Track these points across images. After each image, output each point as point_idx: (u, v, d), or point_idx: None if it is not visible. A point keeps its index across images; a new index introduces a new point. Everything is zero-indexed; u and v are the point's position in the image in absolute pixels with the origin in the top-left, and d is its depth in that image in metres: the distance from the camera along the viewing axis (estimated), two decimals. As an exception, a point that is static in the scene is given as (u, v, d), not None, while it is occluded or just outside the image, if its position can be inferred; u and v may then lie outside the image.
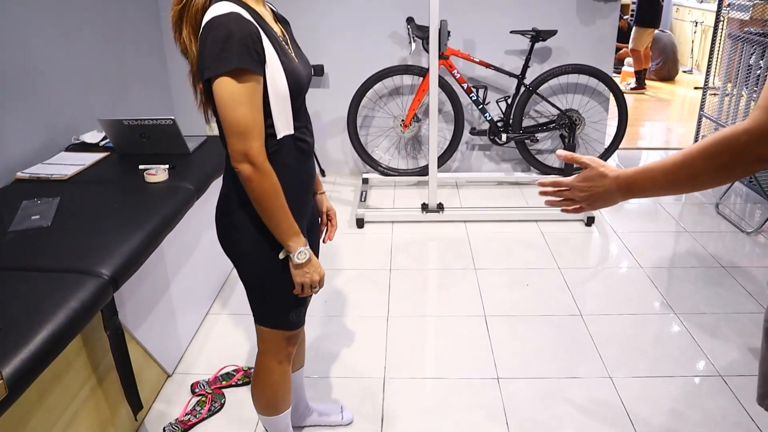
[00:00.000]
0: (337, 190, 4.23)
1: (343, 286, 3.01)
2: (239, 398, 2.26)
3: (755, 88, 4.34)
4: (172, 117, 2.68)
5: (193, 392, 2.26)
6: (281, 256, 1.51)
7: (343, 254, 3.33)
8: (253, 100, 1.34)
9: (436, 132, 3.60)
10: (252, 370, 2.32)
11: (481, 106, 4.05)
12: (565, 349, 2.53)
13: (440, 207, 3.75)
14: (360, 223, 3.67)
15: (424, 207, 3.76)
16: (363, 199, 3.95)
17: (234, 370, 2.36)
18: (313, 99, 4.18)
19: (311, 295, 1.61)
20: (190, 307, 2.58)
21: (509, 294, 2.94)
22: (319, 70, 4.11)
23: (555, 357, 2.49)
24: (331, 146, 4.43)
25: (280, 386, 1.74)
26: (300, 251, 1.47)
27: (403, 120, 4.14)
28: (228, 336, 2.64)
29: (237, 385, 2.31)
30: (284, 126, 1.44)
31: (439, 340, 2.60)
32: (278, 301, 1.59)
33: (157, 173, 2.43)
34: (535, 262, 3.27)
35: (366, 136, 4.36)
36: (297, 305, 1.62)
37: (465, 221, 3.76)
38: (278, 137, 1.44)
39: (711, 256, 3.33)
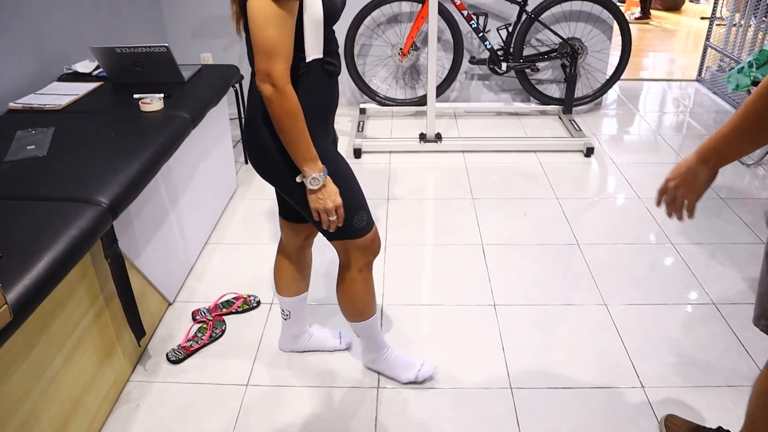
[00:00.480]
0: (336, 123, 4.17)
1: (341, 216, 3.01)
2: (239, 324, 2.31)
3: (764, 18, 4.24)
4: (166, 44, 2.61)
5: (194, 319, 2.30)
6: (298, 180, 1.53)
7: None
8: (286, 23, 1.33)
9: (435, 61, 3.53)
10: (251, 297, 2.38)
11: (481, 34, 3.96)
12: (561, 277, 2.57)
13: (438, 137, 3.72)
14: (357, 153, 3.64)
15: (422, 137, 3.72)
16: (360, 129, 3.91)
17: (234, 298, 2.39)
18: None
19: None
20: (189, 236, 2.59)
21: (507, 223, 2.96)
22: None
23: (551, 285, 2.52)
24: (328, 76, 4.34)
25: (363, 294, 1.81)
26: (313, 177, 1.49)
27: (401, 48, 4.05)
28: (227, 265, 2.67)
29: (237, 312, 2.35)
30: (314, 50, 1.45)
31: (436, 268, 2.63)
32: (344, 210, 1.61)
33: (152, 102, 2.39)
34: (533, 192, 3.27)
35: (363, 65, 4.27)
36: (355, 211, 1.65)
37: (463, 151, 3.73)
38: (307, 60, 1.46)
39: (711, 188, 3.32)
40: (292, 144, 1.46)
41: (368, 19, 3.99)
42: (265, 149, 1.54)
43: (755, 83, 3.43)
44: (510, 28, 3.99)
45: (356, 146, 3.64)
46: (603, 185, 3.40)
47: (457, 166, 3.56)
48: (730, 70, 3.61)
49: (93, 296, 1.82)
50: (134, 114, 2.38)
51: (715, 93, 4.76)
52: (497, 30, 4.06)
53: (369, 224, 1.71)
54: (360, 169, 3.51)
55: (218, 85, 2.82)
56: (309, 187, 1.51)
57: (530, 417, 1.91)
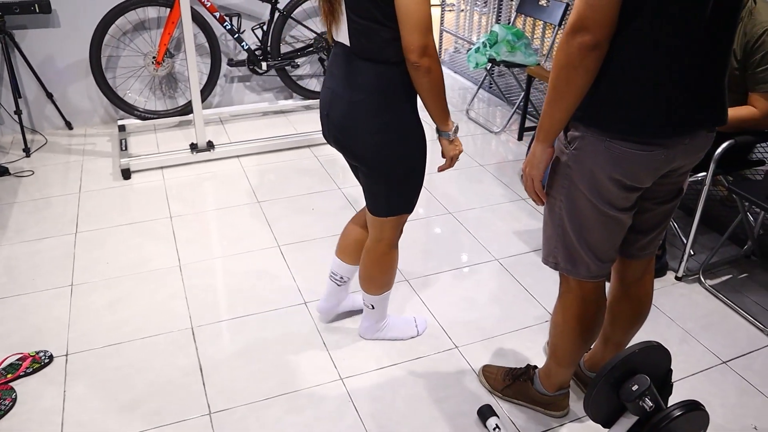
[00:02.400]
0: (92, 143, 3.79)
1: (124, 243, 2.77)
2: (33, 387, 2.00)
3: (484, 4, 4.77)
4: None
5: (-30, 395, 1.95)
6: (442, 136, 1.75)
7: (113, 210, 3.04)
8: None
9: (196, 66, 3.39)
10: (40, 354, 2.09)
11: (236, 36, 3.89)
12: (362, 263, 2.65)
13: (210, 145, 3.59)
14: (126, 173, 3.36)
15: (194, 147, 3.56)
16: (124, 148, 3.61)
17: (19, 359, 2.06)
18: (43, 41, 3.66)
19: None
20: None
21: (297, 221, 2.97)
22: (44, 6, 3.54)
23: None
24: (73, 94, 3.92)
25: (395, 265, 2.00)
26: (456, 125, 1.74)
27: (154, 57, 3.82)
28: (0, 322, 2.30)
29: (27, 374, 2.03)
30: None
31: (239, 279, 2.55)
32: (412, 187, 1.81)
33: None
34: (315, 185, 3.32)
35: (114, 78, 3.94)
36: (419, 190, 1.83)
37: (238, 156, 3.65)
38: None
39: (469, 156, 3.68)
40: (442, 104, 1.64)
41: (113, 27, 3.68)
42: (376, 131, 1.66)
43: (491, 60, 3.86)
44: (265, 27, 3.97)
45: (123, 167, 3.36)
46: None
47: (234, 171, 3.48)
48: (468, 51, 4.00)
49: None
50: None
51: (456, 72, 5.26)
52: (252, 30, 4.02)
53: (417, 198, 1.87)
54: (132, 190, 3.25)
55: None
56: (452, 138, 1.74)
57: (364, 401, 1.95)
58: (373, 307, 2.11)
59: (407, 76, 1.59)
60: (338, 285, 2.18)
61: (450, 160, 1.80)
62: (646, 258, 1.68)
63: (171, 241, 2.79)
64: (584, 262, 1.54)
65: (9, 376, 2.00)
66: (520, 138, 3.96)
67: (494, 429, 1.82)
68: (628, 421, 1.54)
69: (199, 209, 3.08)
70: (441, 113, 1.67)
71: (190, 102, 4.00)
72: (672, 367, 1.57)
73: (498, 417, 1.85)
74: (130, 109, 3.89)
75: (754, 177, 2.83)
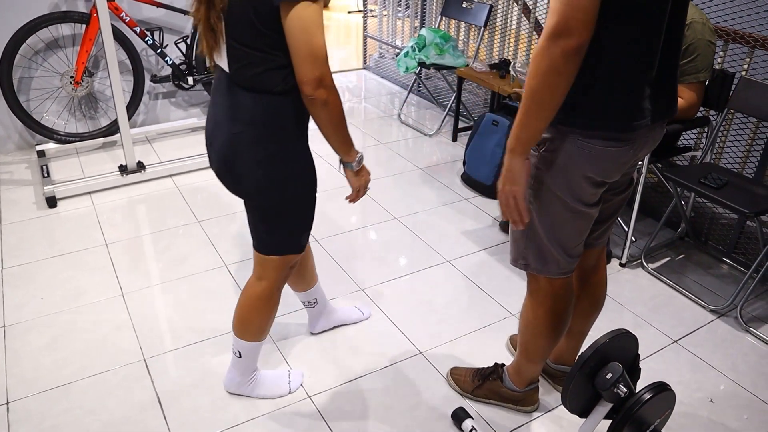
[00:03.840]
0: (8, 172, 3.55)
1: (57, 276, 2.59)
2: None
3: (404, 10, 4.81)
4: None
5: None
6: (343, 167, 1.62)
7: (41, 242, 2.86)
8: (322, 25, 1.37)
9: (120, 84, 3.24)
10: None
11: (159, 50, 3.75)
12: (323, 274, 2.59)
13: (141, 166, 3.44)
14: (51, 201, 3.17)
15: (123, 169, 3.40)
16: (46, 174, 3.40)
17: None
18: (-54, 66, 3.39)
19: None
20: None
21: (243, 236, 2.88)
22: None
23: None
24: (-17, 120, 3.67)
25: (272, 312, 1.83)
26: (360, 156, 1.61)
27: (72, 77, 3.62)
28: None
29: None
30: None
31: (189, 302, 2.44)
32: (297, 226, 1.69)
33: None
34: (258, 200, 3.24)
35: (28, 101, 3.71)
36: (308, 228, 1.72)
37: (171, 175, 3.51)
38: None
39: (407, 161, 3.69)
40: (343, 135, 1.53)
41: (24, 47, 3.46)
42: (257, 163, 1.54)
43: (421, 64, 3.89)
44: (188, 41, 3.85)
45: (48, 194, 3.16)
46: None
47: (168, 191, 3.34)
48: (397, 56, 4.02)
49: None
50: None
51: (383, 77, 5.27)
52: (175, 44, 3.88)
53: (306, 238, 1.76)
54: (59, 219, 3.06)
55: None
56: (356, 168, 1.62)
57: (336, 417, 1.91)
58: (241, 356, 1.90)
59: (293, 107, 1.50)
60: (313, 308, 2.21)
61: (356, 192, 1.70)
62: (600, 247, 1.73)
63: (110, 270, 2.64)
64: (555, 260, 1.56)
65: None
66: (454, 139, 4.00)
67: (470, 431, 1.81)
68: (603, 408, 1.57)
69: (136, 234, 2.93)
70: (343, 145, 1.56)
71: (113, 122, 3.82)
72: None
73: (473, 418, 1.85)
74: (50, 133, 3.68)
75: (681, 163, 2.97)
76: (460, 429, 1.85)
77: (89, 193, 3.31)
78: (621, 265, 2.68)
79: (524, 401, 1.91)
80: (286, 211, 1.64)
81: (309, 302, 2.18)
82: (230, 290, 2.51)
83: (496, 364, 1.96)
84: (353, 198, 1.72)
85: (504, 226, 2.95)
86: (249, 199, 1.64)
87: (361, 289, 2.50)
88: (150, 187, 3.40)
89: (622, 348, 1.57)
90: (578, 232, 1.53)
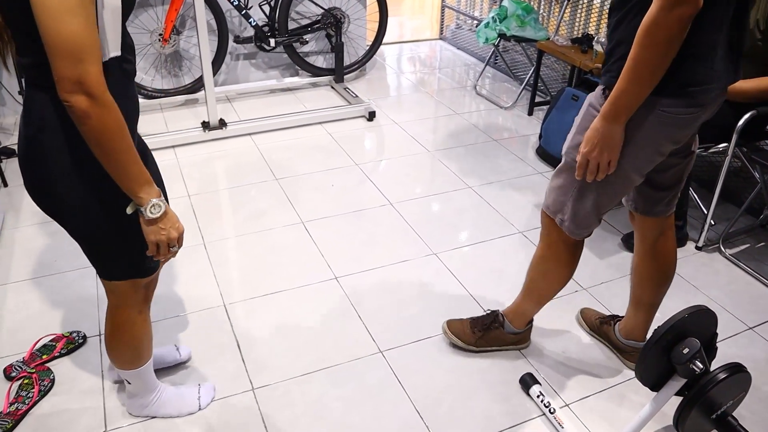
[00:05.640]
0: (98, 122, 3.74)
1: (144, 222, 2.75)
2: (70, 367, 1.99)
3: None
4: None
5: (9, 378, 1.92)
6: (129, 210, 1.28)
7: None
8: (89, 11, 1.07)
9: (207, 42, 3.35)
10: (74, 334, 2.08)
11: (243, 12, 3.84)
12: (386, 237, 2.66)
13: (222, 123, 3.56)
14: (139, 153, 3.33)
15: (205, 125, 3.54)
16: (134, 127, 3.57)
17: (53, 340, 2.05)
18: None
19: None
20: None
21: (318, 197, 2.96)
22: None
23: (380, 246, 2.60)
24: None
25: (143, 336, 1.61)
26: (153, 204, 1.26)
27: (161, 35, 3.76)
28: (26, 306, 2.27)
29: (62, 355, 2.02)
30: (113, 46, 1.21)
31: (266, 256, 2.55)
32: (128, 251, 1.39)
33: None
34: (332, 162, 3.31)
35: (119, 56, 3.88)
36: (141, 252, 1.39)
37: (250, 134, 3.63)
38: (105, 59, 1.18)
39: (483, 132, 3.69)
40: (121, 167, 1.19)
41: (118, 5, 3.62)
42: (55, 180, 1.27)
43: (501, 35, 3.85)
44: (272, 3, 3.93)
45: (136, 145, 3.32)
46: (393, 145, 3.56)
47: (248, 149, 3.46)
48: (477, 27, 3.99)
49: None
50: None
51: (459, 48, 5.24)
52: (259, 6, 3.97)
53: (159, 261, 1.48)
54: (146, 168, 3.22)
55: None
56: (150, 216, 1.26)
57: (407, 373, 1.98)
58: (130, 383, 1.72)
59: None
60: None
61: (153, 247, 1.32)
62: (667, 215, 1.77)
63: (192, 220, 2.78)
64: (587, 226, 1.64)
65: (44, 357, 1.99)
66: (530, 113, 3.96)
67: (538, 396, 1.85)
68: (676, 383, 1.58)
69: (217, 188, 3.06)
70: (122, 175, 1.21)
71: (196, 80, 3.96)
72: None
73: (540, 384, 1.88)
74: (137, 88, 3.84)
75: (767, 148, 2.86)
76: (528, 394, 1.89)
77: (173, 147, 3.46)
78: (697, 248, 2.63)
79: (522, 340, 2.04)
80: (107, 233, 1.36)
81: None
82: (308, 246, 2.59)
83: (492, 311, 2.04)
84: (151, 253, 1.34)
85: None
86: (60, 221, 1.37)
87: (433, 253, 2.55)
88: (230, 144, 3.52)
89: (701, 324, 1.56)
90: (616, 199, 1.60)
